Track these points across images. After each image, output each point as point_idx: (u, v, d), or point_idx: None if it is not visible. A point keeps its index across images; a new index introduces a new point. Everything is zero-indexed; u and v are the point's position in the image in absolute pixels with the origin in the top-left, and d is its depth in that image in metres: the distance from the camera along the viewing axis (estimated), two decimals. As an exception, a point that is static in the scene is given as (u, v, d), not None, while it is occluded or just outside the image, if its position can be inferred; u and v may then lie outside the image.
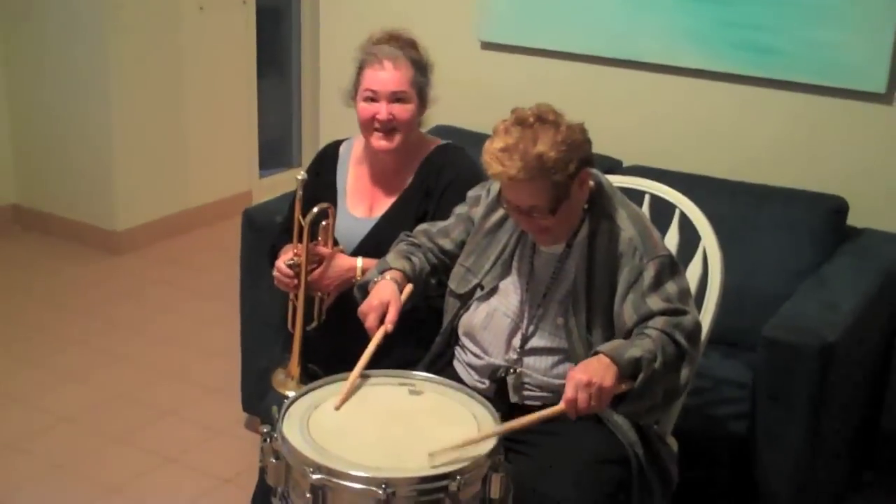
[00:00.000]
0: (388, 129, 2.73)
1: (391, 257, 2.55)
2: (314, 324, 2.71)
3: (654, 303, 2.29)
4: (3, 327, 4.37)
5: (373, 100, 2.73)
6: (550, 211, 2.28)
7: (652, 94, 3.84)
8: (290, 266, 2.65)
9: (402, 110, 2.73)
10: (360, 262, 2.72)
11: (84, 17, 4.95)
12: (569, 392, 2.12)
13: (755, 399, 2.78)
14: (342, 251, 2.74)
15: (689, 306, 2.33)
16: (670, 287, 2.32)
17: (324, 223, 2.69)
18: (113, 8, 4.90)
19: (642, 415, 2.34)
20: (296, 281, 2.65)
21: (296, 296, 2.67)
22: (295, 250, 2.65)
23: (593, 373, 2.13)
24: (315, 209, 2.63)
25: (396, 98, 2.72)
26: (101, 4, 4.88)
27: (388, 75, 2.72)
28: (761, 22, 3.54)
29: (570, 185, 2.28)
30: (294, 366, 2.63)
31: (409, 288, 2.49)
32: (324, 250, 2.70)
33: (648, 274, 2.31)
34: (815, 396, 2.68)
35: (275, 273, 2.71)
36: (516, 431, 2.21)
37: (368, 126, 2.75)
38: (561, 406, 2.14)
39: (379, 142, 2.75)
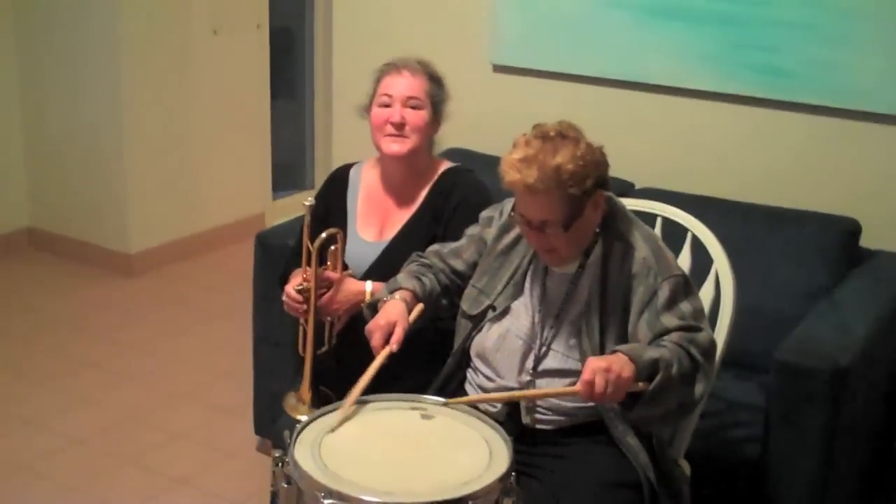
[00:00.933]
0: (400, 132, 2.75)
1: (402, 277, 2.55)
2: (325, 348, 2.72)
3: (669, 321, 2.29)
4: (17, 349, 4.38)
5: (387, 105, 2.76)
6: (563, 227, 2.28)
7: (664, 117, 3.84)
8: (299, 291, 2.65)
9: (415, 115, 2.76)
10: (369, 285, 2.72)
11: (97, 41, 4.98)
12: (586, 374, 2.12)
13: (768, 422, 2.77)
14: (351, 275, 2.75)
15: (703, 325, 2.33)
16: (685, 306, 2.32)
17: (333, 248, 2.70)
18: (126, 32, 4.93)
19: (654, 422, 2.32)
20: (305, 306, 2.66)
21: (306, 320, 2.67)
22: (304, 275, 2.65)
23: (612, 362, 2.13)
24: (323, 234, 2.63)
25: (410, 103, 2.75)
26: (115, 28, 4.91)
27: (404, 81, 2.77)
28: (773, 44, 3.54)
29: (584, 202, 2.29)
30: (305, 390, 2.63)
31: (419, 308, 2.49)
32: (333, 275, 2.70)
33: (663, 293, 2.31)
34: (828, 420, 2.67)
35: (284, 298, 2.71)
36: (526, 452, 2.23)
37: (381, 130, 2.77)
38: (578, 388, 2.14)
39: (391, 147, 2.76)
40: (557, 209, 2.28)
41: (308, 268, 2.64)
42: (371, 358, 2.37)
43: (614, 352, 2.21)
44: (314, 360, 2.64)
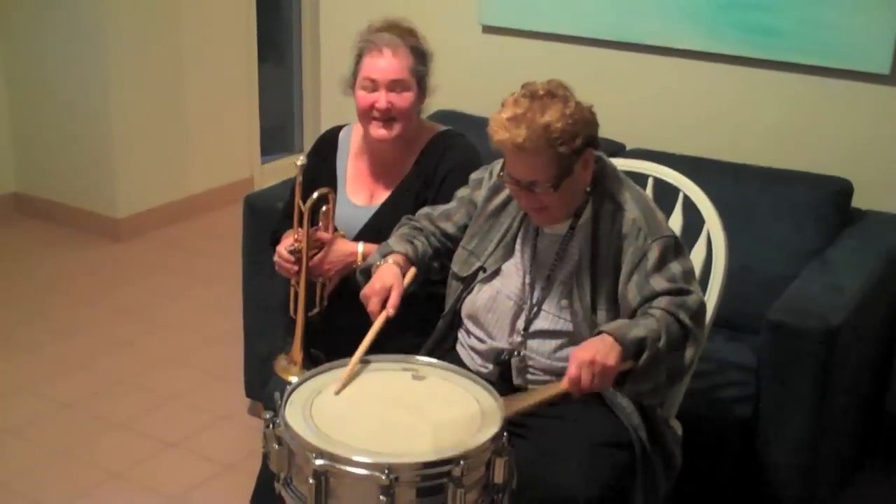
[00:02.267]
0: (387, 118, 2.71)
1: (393, 241, 2.53)
2: (316, 310, 2.70)
3: (658, 283, 2.28)
4: (4, 314, 4.36)
5: (372, 88, 2.70)
6: (552, 186, 2.27)
7: (654, 77, 3.82)
8: (290, 252, 2.64)
9: (401, 99, 2.70)
10: (360, 246, 2.71)
11: (83, 4, 4.92)
12: (572, 370, 2.12)
13: (759, 382, 2.78)
14: (343, 236, 2.73)
15: (693, 287, 2.32)
16: (674, 267, 2.30)
17: (324, 208, 2.68)
18: (112, -6, 4.88)
19: (645, 395, 2.33)
20: (296, 267, 2.64)
21: (297, 282, 2.66)
22: (296, 236, 2.64)
23: (597, 351, 2.12)
24: (315, 194, 2.61)
25: (395, 86, 2.70)
26: (101, -10, 4.86)
27: (386, 63, 2.69)
28: (763, 3, 3.53)
29: (573, 161, 2.27)
30: (296, 351, 2.62)
31: (412, 272, 2.48)
32: (324, 235, 2.69)
33: (653, 254, 2.30)
34: (819, 380, 2.68)
35: (276, 259, 2.70)
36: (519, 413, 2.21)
37: (367, 115, 2.73)
38: (564, 385, 2.13)
39: (378, 131, 2.73)
40: (546, 168, 2.26)
41: (300, 228, 2.63)
42: (363, 318, 2.36)
43: (600, 332, 2.20)
44: (305, 322, 2.63)
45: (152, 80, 5.15)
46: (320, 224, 2.69)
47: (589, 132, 2.29)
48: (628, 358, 2.16)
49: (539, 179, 2.27)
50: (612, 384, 2.18)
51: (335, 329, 2.63)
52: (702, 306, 2.32)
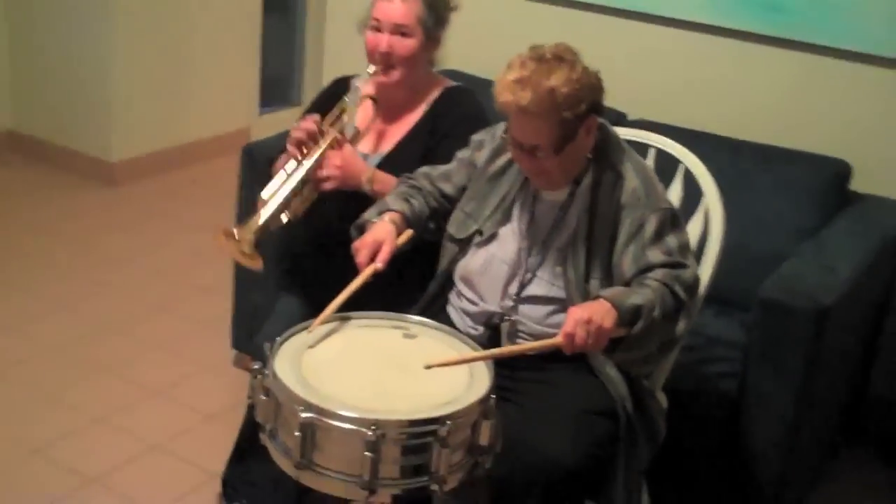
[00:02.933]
0: (387, 63, 2.71)
1: (391, 199, 2.52)
2: (288, 217, 2.66)
3: (654, 255, 2.28)
4: (-7, 253, 4.35)
5: (377, 30, 2.72)
6: (554, 151, 2.26)
7: (658, 48, 3.80)
8: (302, 137, 2.63)
9: (402, 45, 2.71)
10: (371, 172, 2.68)
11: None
12: (568, 326, 2.11)
13: (747, 359, 2.78)
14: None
15: (688, 260, 2.32)
16: (671, 240, 2.30)
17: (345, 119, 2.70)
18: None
19: (635, 364, 2.34)
20: (305, 150, 2.63)
21: (297, 165, 2.64)
22: (315, 119, 2.65)
23: (594, 312, 2.12)
24: (346, 99, 2.66)
25: (399, 31, 2.70)
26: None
27: (394, 7, 2.71)
28: (772, -20, 3.50)
29: (577, 127, 2.26)
30: (252, 228, 2.55)
31: (408, 232, 2.47)
32: (343, 140, 2.69)
33: (650, 226, 2.29)
34: (807, 359, 2.68)
35: (295, 127, 2.67)
36: (507, 377, 2.24)
37: (371, 56, 2.74)
38: (558, 339, 2.14)
39: (378, 76, 2.73)
40: (550, 132, 2.25)
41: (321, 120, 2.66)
42: (351, 265, 2.36)
43: (597, 298, 2.20)
44: (278, 210, 2.60)
45: (155, 24, 5.10)
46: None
47: (594, 98, 2.28)
48: (623, 325, 2.17)
49: (542, 143, 2.26)
50: (604, 348, 2.18)
51: (320, 268, 2.62)
52: (696, 280, 2.33)
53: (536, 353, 2.28)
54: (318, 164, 2.64)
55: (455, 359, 2.16)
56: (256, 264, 2.52)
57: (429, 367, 2.11)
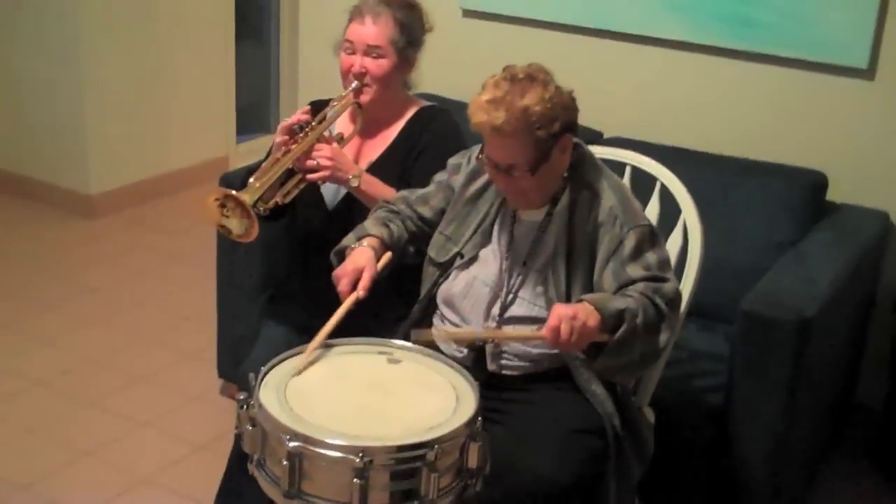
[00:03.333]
0: (361, 80, 2.73)
1: (369, 224, 2.53)
2: (275, 201, 2.62)
3: (634, 271, 2.29)
4: (-25, 290, 4.33)
5: (351, 51, 2.74)
6: (530, 170, 2.27)
7: (633, 66, 3.82)
8: (294, 128, 2.62)
9: (376, 65, 2.73)
10: (359, 170, 2.68)
11: (59, -24, 4.88)
12: (552, 321, 2.12)
13: (732, 372, 2.79)
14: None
15: (668, 275, 2.33)
16: (650, 256, 2.32)
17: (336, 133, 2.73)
18: (88, -32, 4.83)
19: (617, 372, 2.33)
20: (293, 144, 2.60)
21: (282, 155, 2.60)
22: (302, 112, 2.65)
23: (578, 310, 2.14)
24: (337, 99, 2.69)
25: (372, 52, 2.72)
26: (77, -36, 4.81)
27: (365, 29, 2.73)
28: (745, -6, 3.53)
29: (552, 146, 2.27)
30: (253, 190, 2.48)
31: (387, 256, 2.48)
32: (330, 137, 2.70)
33: (629, 243, 2.31)
34: (791, 370, 2.69)
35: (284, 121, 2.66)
36: (494, 398, 2.27)
37: (345, 77, 2.76)
38: (543, 332, 2.14)
39: (358, 91, 2.75)
40: (525, 152, 2.26)
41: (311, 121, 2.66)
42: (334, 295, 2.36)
43: (581, 301, 2.21)
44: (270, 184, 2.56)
45: (127, 56, 5.10)
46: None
47: (568, 117, 2.29)
48: (606, 330, 2.18)
49: (517, 162, 2.27)
50: (586, 346, 2.19)
51: (311, 297, 2.63)
52: (677, 294, 2.34)
53: (521, 374, 2.34)
54: (307, 153, 2.63)
55: (442, 335, 2.26)
56: (253, 230, 2.44)
57: (416, 342, 2.25)
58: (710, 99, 3.69)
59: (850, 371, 3.46)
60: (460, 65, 3.87)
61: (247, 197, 2.41)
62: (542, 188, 2.36)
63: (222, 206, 2.43)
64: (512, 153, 2.27)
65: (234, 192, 2.40)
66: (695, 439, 2.88)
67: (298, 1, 4.71)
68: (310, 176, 2.64)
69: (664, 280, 2.31)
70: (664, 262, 2.35)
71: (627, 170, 2.80)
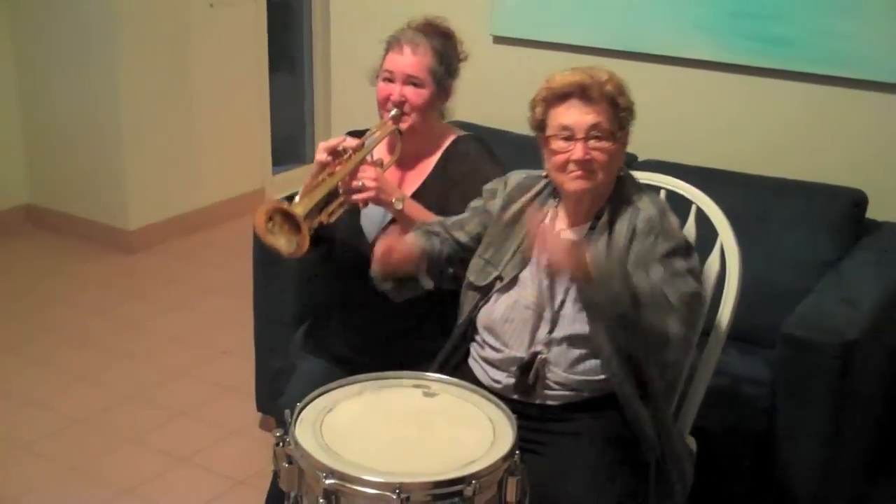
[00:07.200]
0: (401, 109, 2.73)
1: (411, 237, 2.54)
2: (319, 219, 2.57)
3: (657, 272, 2.29)
4: (16, 327, 4.36)
5: (390, 80, 2.74)
6: (611, 134, 2.33)
7: (664, 87, 3.80)
8: (338, 152, 2.60)
9: (415, 94, 2.72)
10: (403, 194, 2.67)
11: (95, 16, 4.94)
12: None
13: (774, 397, 2.75)
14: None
15: (694, 281, 2.33)
16: (678, 262, 2.31)
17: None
18: (123, 7, 4.88)
19: (606, 306, 2.27)
20: (337, 166, 2.58)
21: (327, 175, 2.57)
22: (347, 139, 2.64)
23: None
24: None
25: (411, 81, 2.72)
26: (112, 3, 4.87)
27: (404, 59, 2.72)
28: (773, 12, 3.51)
29: (625, 125, 2.39)
30: (305, 202, 2.46)
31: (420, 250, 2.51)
32: (373, 161, 2.69)
33: (661, 247, 2.32)
34: (835, 394, 2.65)
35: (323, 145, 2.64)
36: (535, 430, 2.26)
37: (383, 105, 2.76)
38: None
39: (397, 118, 2.75)
40: (606, 116, 2.34)
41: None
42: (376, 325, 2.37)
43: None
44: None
45: (163, 92, 5.15)
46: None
47: (630, 106, 2.42)
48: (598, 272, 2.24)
49: (602, 121, 2.33)
50: (571, 262, 2.23)
51: (350, 329, 2.64)
52: (694, 294, 2.32)
53: (562, 403, 2.32)
54: (352, 174, 2.61)
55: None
56: (304, 244, 2.40)
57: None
58: (744, 118, 3.66)
59: (895, 392, 3.39)
60: (492, 92, 3.88)
61: (299, 209, 2.40)
62: (608, 170, 2.37)
63: (269, 219, 2.40)
64: (596, 114, 2.34)
65: (284, 204, 2.39)
66: (737, 466, 2.83)
67: (330, 32, 4.73)
68: (354, 196, 2.62)
69: (685, 279, 2.30)
70: (692, 271, 2.34)
71: (662, 194, 2.78)
